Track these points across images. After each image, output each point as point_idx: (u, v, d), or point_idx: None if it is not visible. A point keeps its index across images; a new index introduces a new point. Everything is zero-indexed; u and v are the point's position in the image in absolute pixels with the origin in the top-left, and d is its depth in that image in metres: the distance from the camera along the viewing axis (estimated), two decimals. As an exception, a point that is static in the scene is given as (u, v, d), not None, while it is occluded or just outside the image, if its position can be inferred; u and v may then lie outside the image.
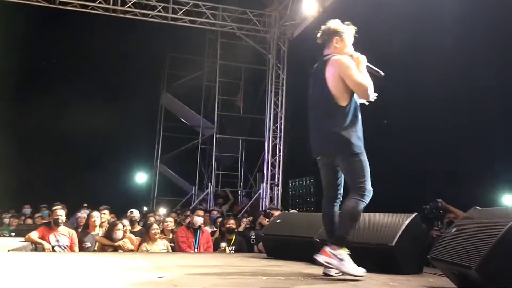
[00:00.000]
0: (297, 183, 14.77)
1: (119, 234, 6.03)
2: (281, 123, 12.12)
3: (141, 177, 18.28)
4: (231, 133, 14.27)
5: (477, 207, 3.19)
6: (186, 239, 6.39)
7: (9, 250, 5.56)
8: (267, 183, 11.96)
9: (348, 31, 3.60)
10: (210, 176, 14.23)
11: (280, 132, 12.10)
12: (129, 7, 11.06)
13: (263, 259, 4.91)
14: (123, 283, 2.94)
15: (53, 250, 5.71)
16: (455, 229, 3.10)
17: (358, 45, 3.67)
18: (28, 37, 13.06)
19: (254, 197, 12.68)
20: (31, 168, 14.03)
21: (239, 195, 14.59)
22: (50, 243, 5.73)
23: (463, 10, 8.28)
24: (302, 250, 4.24)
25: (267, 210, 7.67)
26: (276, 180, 12.04)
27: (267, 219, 6.92)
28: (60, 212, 5.93)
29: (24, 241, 5.84)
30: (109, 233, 6.09)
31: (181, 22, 11.71)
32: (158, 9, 11.35)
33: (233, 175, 15.05)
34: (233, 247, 6.55)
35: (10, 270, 3.56)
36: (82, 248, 6.04)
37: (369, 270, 3.55)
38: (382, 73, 3.62)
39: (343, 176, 3.53)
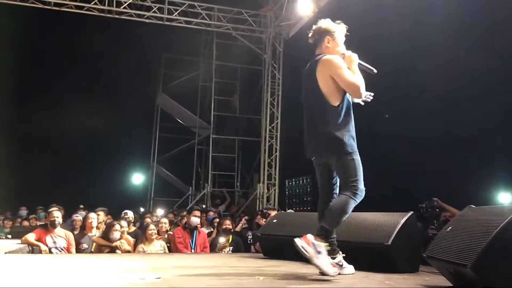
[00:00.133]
0: (293, 182, 14.79)
1: (116, 234, 6.02)
2: (277, 123, 12.13)
3: (137, 178, 18.26)
4: (228, 133, 14.29)
5: (472, 206, 3.20)
6: (183, 240, 6.39)
7: (5, 253, 5.55)
8: (263, 183, 11.97)
9: (339, 30, 3.58)
10: (206, 177, 14.23)
11: (277, 132, 12.11)
12: (124, 8, 11.07)
13: (260, 259, 4.92)
14: (120, 284, 2.94)
15: (50, 252, 5.70)
16: (450, 227, 3.11)
17: (354, 45, 3.67)
18: (24, 39, 13.02)
19: (251, 197, 12.68)
20: (27, 170, 13.99)
21: (236, 195, 14.59)
22: (47, 245, 5.72)
23: (461, 9, 8.29)
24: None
25: (264, 210, 7.68)
26: (272, 180, 12.05)
27: (264, 219, 6.94)
28: (57, 214, 5.91)
29: (21, 243, 5.83)
30: (106, 234, 6.09)
31: (176, 23, 11.71)
32: (154, 9, 11.36)
33: (230, 175, 15.06)
34: (231, 247, 6.56)
35: (7, 272, 3.55)
36: (78, 250, 6.03)
37: (365, 269, 3.58)
38: (375, 71, 3.61)
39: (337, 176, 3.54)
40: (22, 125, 14.38)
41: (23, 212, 11.23)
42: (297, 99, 3.72)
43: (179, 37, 13.18)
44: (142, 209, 14.48)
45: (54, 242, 5.79)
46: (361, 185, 3.35)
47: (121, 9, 11.05)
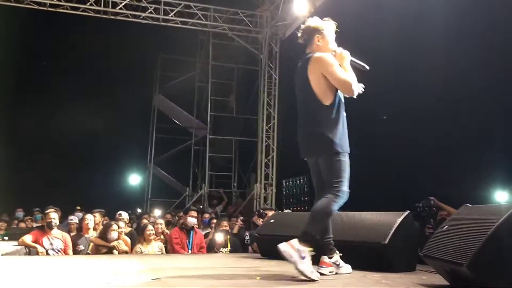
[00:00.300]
0: (291, 182, 14.82)
1: (114, 234, 6.01)
2: (274, 123, 12.14)
3: (134, 179, 18.24)
4: (224, 133, 14.29)
5: (468, 205, 3.21)
6: (180, 240, 6.38)
7: (2, 254, 5.53)
8: (260, 183, 11.97)
9: (329, 27, 3.53)
10: (203, 177, 14.22)
11: (273, 132, 12.12)
12: (120, 8, 11.05)
13: (257, 259, 4.92)
14: (118, 285, 2.94)
15: (47, 254, 5.68)
16: (446, 226, 3.12)
17: (351, 45, 3.64)
18: (20, 40, 13.00)
19: (248, 198, 12.68)
20: (24, 171, 13.97)
21: (233, 196, 14.59)
22: (43, 247, 5.70)
23: (460, 9, 8.29)
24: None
25: (261, 210, 7.68)
26: (270, 180, 12.05)
27: (261, 219, 6.94)
28: (53, 215, 5.89)
29: (18, 245, 5.81)
30: (103, 234, 6.08)
31: (172, 23, 11.71)
32: (149, 10, 11.34)
33: (227, 176, 15.07)
34: (229, 249, 6.56)
35: (5, 274, 3.54)
36: (75, 251, 6.02)
37: (362, 268, 3.58)
38: (367, 67, 3.56)
39: None
40: (19, 127, 14.36)
41: (20, 213, 11.20)
42: (294, 99, 3.69)
43: (175, 37, 13.18)
44: (139, 210, 14.48)
45: (51, 244, 5.77)
46: (344, 187, 3.28)
47: (116, 10, 11.03)
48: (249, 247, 6.70)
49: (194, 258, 5.59)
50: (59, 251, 5.79)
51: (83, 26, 12.15)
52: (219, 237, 6.63)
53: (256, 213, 7.63)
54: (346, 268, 3.47)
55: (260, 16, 12.40)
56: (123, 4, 11.03)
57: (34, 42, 13.82)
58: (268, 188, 11.99)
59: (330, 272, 3.37)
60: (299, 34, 3.58)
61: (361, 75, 3.53)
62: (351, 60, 3.50)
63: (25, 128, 14.56)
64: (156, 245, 6.33)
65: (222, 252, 6.50)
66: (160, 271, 3.65)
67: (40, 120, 14.91)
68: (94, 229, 6.57)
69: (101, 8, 10.87)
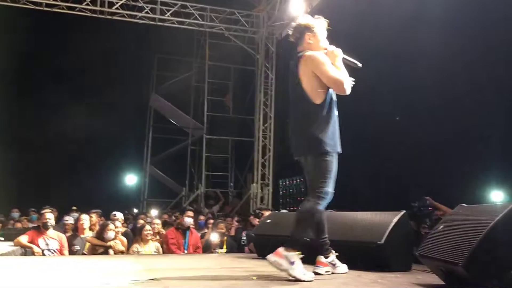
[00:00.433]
0: (287, 182, 14.80)
1: (110, 234, 6.01)
2: (270, 123, 12.15)
3: (131, 179, 18.21)
4: (221, 133, 14.29)
5: (464, 204, 3.22)
6: (176, 241, 6.38)
7: (-2, 255, 5.52)
8: (257, 183, 11.98)
9: (320, 25, 3.47)
10: (200, 177, 14.22)
11: (270, 132, 12.13)
12: (116, 8, 11.03)
13: (253, 259, 4.93)
14: (114, 285, 2.94)
15: (43, 254, 5.66)
16: (442, 226, 3.13)
17: (347, 44, 3.61)
18: (16, 40, 12.94)
19: (245, 198, 12.69)
20: (20, 171, 13.91)
21: (230, 196, 14.59)
22: (39, 247, 5.69)
23: (457, 4, 8.28)
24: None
25: (257, 211, 7.69)
26: (266, 180, 12.06)
27: (257, 219, 6.94)
28: (49, 216, 5.88)
29: (13, 245, 5.79)
30: (100, 234, 6.07)
31: (169, 23, 11.70)
32: (146, 10, 11.34)
33: (224, 176, 15.08)
34: (225, 250, 6.56)
35: (1, 274, 3.53)
36: (71, 252, 6.00)
37: (358, 268, 3.59)
38: (360, 65, 3.49)
39: None
40: (15, 127, 14.30)
41: (15, 214, 11.16)
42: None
43: (171, 37, 13.16)
44: (135, 210, 14.45)
45: (47, 244, 5.75)
46: (328, 188, 3.22)
47: (113, 9, 11.02)
48: (246, 247, 6.70)
49: (190, 258, 5.59)
50: (54, 251, 5.77)
51: (79, 26, 12.12)
52: (214, 238, 6.63)
53: (252, 213, 7.65)
54: (342, 267, 3.47)
55: (257, 16, 12.41)
56: (119, 4, 11.01)
57: (30, 43, 13.76)
58: (264, 188, 12.00)
59: (326, 271, 3.38)
60: (290, 32, 3.53)
61: (350, 71, 3.46)
62: (343, 58, 3.45)
63: (21, 129, 14.51)
64: (153, 246, 6.33)
65: (218, 252, 6.51)
66: (157, 271, 3.65)
67: (36, 120, 14.88)
68: (91, 229, 6.56)
69: (98, 8, 10.86)
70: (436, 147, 9.50)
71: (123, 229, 7.07)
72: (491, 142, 8.90)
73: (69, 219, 6.83)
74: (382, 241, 3.68)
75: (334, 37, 3.59)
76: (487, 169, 9.24)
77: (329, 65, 3.29)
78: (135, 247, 6.20)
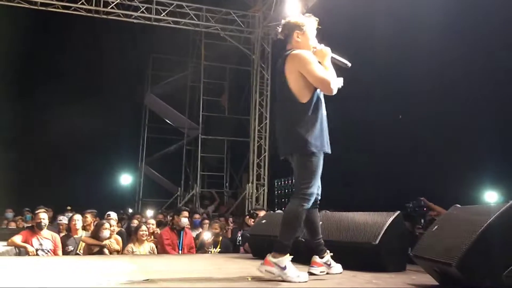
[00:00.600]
0: (282, 182, 14.82)
1: (106, 233, 5.99)
2: (266, 123, 12.15)
3: (125, 179, 18.17)
4: (216, 133, 14.28)
5: (458, 205, 3.24)
6: (171, 241, 6.37)
7: (-9, 255, 5.49)
8: (252, 183, 11.98)
9: (309, 23, 3.40)
10: (195, 177, 14.21)
11: (265, 132, 12.13)
12: (111, 8, 11.00)
13: (249, 259, 4.93)
14: (109, 285, 2.93)
15: (37, 254, 5.64)
16: (436, 226, 3.14)
17: (343, 45, 3.60)
18: (10, 39, 12.88)
19: (240, 198, 12.69)
20: (15, 171, 13.84)
21: (225, 196, 14.59)
22: (33, 247, 5.67)
23: (454, 4, 8.31)
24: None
25: (252, 211, 7.69)
26: (261, 180, 12.06)
27: (252, 220, 6.95)
28: (43, 216, 5.85)
29: (7, 245, 5.76)
30: (96, 233, 6.05)
31: (164, 23, 11.68)
32: (141, 10, 11.31)
33: (219, 176, 15.08)
34: (219, 250, 6.56)
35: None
36: (64, 252, 5.98)
37: (353, 268, 3.60)
38: (349, 64, 3.44)
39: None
40: (9, 126, 14.22)
41: (9, 214, 11.10)
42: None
43: (167, 37, 13.14)
44: (130, 210, 14.42)
45: (41, 244, 5.72)
46: (312, 189, 3.18)
47: (108, 9, 10.98)
48: (241, 248, 6.70)
49: (186, 258, 5.58)
50: (48, 251, 5.75)
51: (74, 26, 12.08)
52: (207, 236, 6.63)
53: (247, 214, 7.65)
54: (337, 267, 3.48)
55: (253, 16, 12.42)
56: (114, 3, 10.98)
57: (24, 42, 13.70)
58: (260, 188, 12.01)
59: (321, 272, 3.38)
60: (279, 30, 3.46)
61: (344, 73, 3.42)
62: (332, 57, 3.39)
63: (16, 129, 14.44)
64: (148, 246, 6.32)
65: (211, 252, 6.51)
66: (152, 272, 3.64)
67: (30, 120, 14.82)
68: (86, 229, 6.53)
69: (93, 7, 10.82)
70: (431, 148, 9.54)
71: (117, 229, 7.06)
72: (485, 143, 8.95)
73: (63, 219, 6.80)
74: (377, 242, 3.69)
75: (330, 38, 3.57)
76: (481, 170, 9.29)
77: (315, 64, 3.22)
78: (130, 247, 6.19)
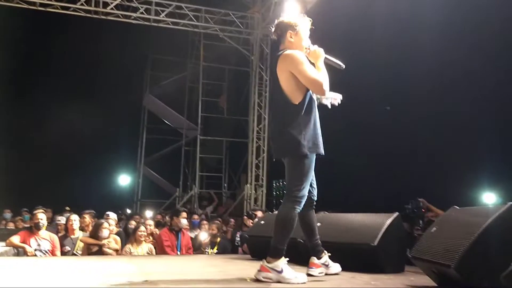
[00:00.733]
0: (281, 183, 14.80)
1: (105, 232, 6.00)
2: (264, 124, 12.14)
3: (124, 179, 18.15)
4: (215, 134, 14.27)
5: (456, 207, 3.25)
6: (170, 243, 6.37)
7: (-10, 255, 5.48)
8: (251, 184, 11.97)
9: (303, 23, 3.37)
10: (194, 178, 14.19)
11: (264, 133, 12.13)
12: (111, 9, 10.99)
13: (247, 260, 4.93)
14: (108, 286, 2.93)
15: (35, 255, 5.63)
16: (435, 228, 3.15)
17: (341, 46, 3.59)
18: (9, 40, 12.87)
19: (239, 199, 12.68)
20: (13, 172, 13.82)
21: (224, 197, 14.58)
22: (31, 247, 5.66)
23: (453, 4, 8.32)
24: (286, 250, 4.26)
25: (250, 212, 7.69)
26: (260, 181, 12.06)
27: (250, 220, 6.95)
28: (41, 216, 5.84)
29: (5, 246, 5.76)
30: (95, 233, 6.06)
31: (163, 24, 11.67)
32: (141, 10, 11.30)
33: (217, 177, 15.06)
34: (216, 250, 6.56)
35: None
36: (62, 252, 5.97)
37: (351, 269, 3.60)
38: (343, 65, 3.41)
39: (313, 177, 3.39)
40: (7, 127, 14.20)
41: (7, 214, 11.08)
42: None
43: (166, 38, 13.14)
44: (128, 211, 14.40)
45: (39, 245, 5.72)
46: (303, 192, 3.17)
47: (107, 10, 10.97)
48: (239, 248, 6.70)
49: (184, 259, 5.58)
50: (46, 252, 5.74)
51: (74, 26, 12.06)
52: (203, 236, 6.63)
53: (245, 214, 7.65)
54: (335, 267, 3.48)
55: (251, 17, 12.42)
56: (114, 4, 10.97)
57: (23, 43, 13.69)
58: (258, 189, 12.00)
59: (319, 273, 3.39)
60: (272, 30, 3.42)
61: (338, 74, 3.42)
62: (326, 58, 3.37)
63: (15, 129, 14.41)
64: (146, 247, 6.32)
65: (208, 252, 6.51)
66: (151, 273, 3.64)
67: (29, 120, 14.79)
68: (84, 230, 6.52)
69: (92, 8, 10.81)
70: (430, 150, 9.56)
71: (116, 229, 7.06)
72: (485, 143, 8.97)
73: (62, 220, 6.79)
74: (376, 243, 3.69)
75: (329, 38, 3.57)
76: (479, 172, 9.31)
77: (307, 65, 3.19)
78: (128, 247, 6.19)
